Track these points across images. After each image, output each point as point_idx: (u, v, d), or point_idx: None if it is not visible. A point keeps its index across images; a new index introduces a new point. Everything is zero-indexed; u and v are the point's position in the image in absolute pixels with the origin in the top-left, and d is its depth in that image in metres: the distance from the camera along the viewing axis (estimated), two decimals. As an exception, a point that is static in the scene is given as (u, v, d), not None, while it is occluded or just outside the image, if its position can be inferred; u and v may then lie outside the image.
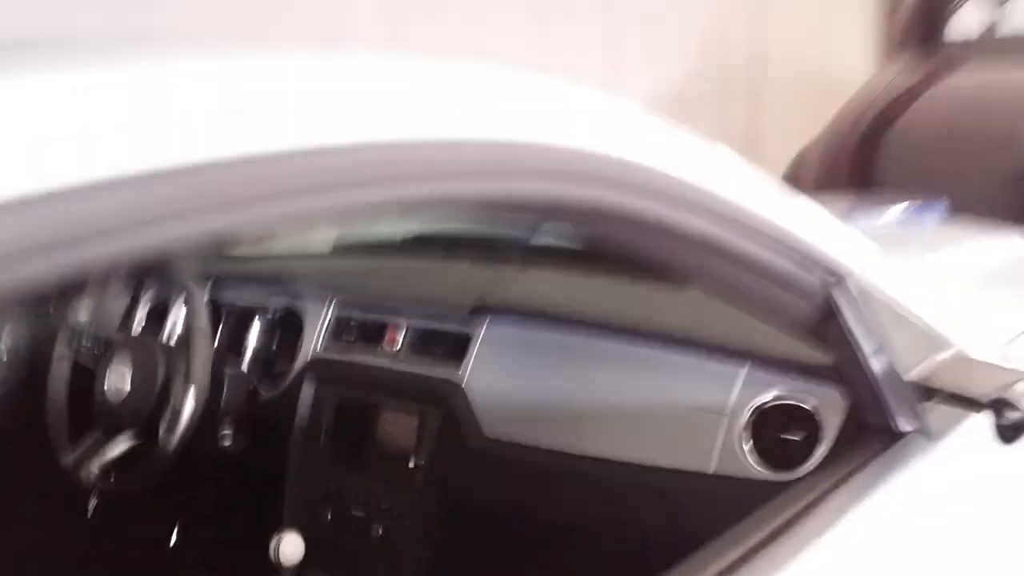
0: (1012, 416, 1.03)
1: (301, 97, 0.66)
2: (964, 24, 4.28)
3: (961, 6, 4.28)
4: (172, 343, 1.76)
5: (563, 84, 0.88)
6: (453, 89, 0.78)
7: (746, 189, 0.99)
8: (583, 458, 1.45)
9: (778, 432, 1.33)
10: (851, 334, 1.08)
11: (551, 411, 1.50)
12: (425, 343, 1.65)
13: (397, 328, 1.69)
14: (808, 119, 5.25)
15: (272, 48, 0.72)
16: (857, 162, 3.97)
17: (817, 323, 1.09)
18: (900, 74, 4.18)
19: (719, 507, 1.08)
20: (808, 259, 1.04)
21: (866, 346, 1.08)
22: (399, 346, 1.68)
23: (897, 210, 2.58)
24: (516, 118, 0.81)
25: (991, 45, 4.35)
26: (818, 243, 1.05)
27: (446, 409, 1.58)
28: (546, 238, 1.85)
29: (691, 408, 1.39)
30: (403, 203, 0.80)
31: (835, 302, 1.06)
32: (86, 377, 1.78)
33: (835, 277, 1.06)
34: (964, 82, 4.11)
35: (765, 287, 1.04)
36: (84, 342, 1.83)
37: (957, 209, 2.95)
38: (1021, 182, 3.65)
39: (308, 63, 0.71)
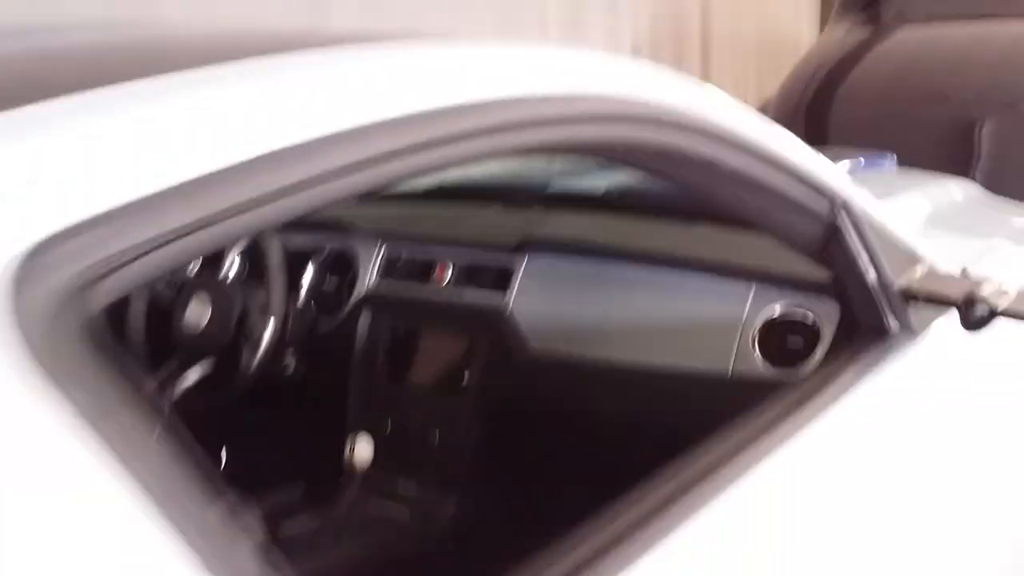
0: (978, 310, 1.32)
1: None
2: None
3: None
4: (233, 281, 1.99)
5: (629, 60, 1.14)
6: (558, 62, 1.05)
7: (763, 128, 1.26)
8: (618, 366, 1.72)
9: (783, 339, 1.61)
10: (852, 251, 1.35)
11: (588, 329, 1.76)
12: (471, 277, 1.91)
13: (444, 265, 1.94)
14: (756, 75, 5.55)
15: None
16: (809, 121, 4.23)
17: (822, 243, 1.36)
18: (847, 35, 4.46)
19: (736, 402, 1.33)
20: (818, 188, 1.31)
21: (862, 260, 1.36)
22: (447, 281, 1.93)
23: (849, 164, 2.87)
24: (609, 80, 1.07)
25: (932, 3, 4.63)
26: (824, 175, 1.33)
27: (493, 331, 1.84)
28: (565, 184, 2.12)
29: (710, 322, 1.67)
30: (538, 145, 1.04)
31: (839, 225, 1.33)
32: (160, 316, 2.00)
33: (840, 203, 1.33)
34: (906, 40, 4.39)
35: (784, 212, 1.31)
36: (156, 284, 2.05)
37: (902, 160, 3.26)
38: (958, 134, 3.95)
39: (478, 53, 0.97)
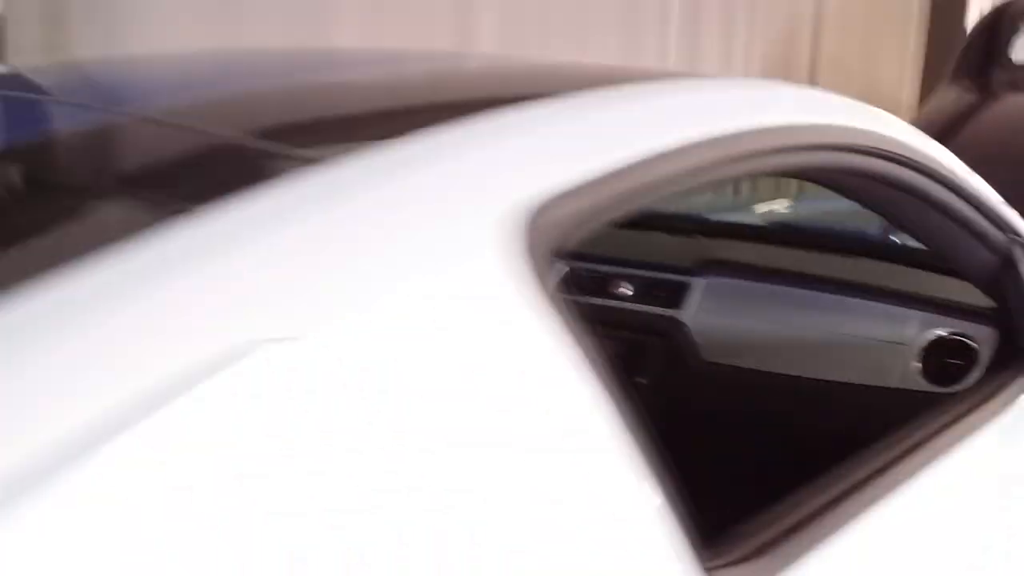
0: None
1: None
2: (1018, 53, 4.76)
3: (1017, 37, 4.76)
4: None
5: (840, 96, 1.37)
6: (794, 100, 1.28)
7: (955, 164, 1.46)
8: (787, 377, 1.92)
9: (943, 360, 1.81)
10: (1022, 281, 1.55)
11: (760, 342, 1.97)
12: (650, 290, 2.12)
13: (625, 279, 2.15)
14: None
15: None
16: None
17: (994, 271, 1.55)
18: (958, 98, 4.65)
19: (896, 412, 1.49)
20: (997, 221, 1.51)
21: None
22: (627, 293, 2.14)
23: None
24: (842, 115, 1.29)
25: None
26: (1003, 210, 1.53)
27: (668, 339, 2.05)
28: (725, 216, 2.34)
29: (877, 340, 1.87)
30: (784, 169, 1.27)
31: (1014, 256, 1.53)
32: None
33: (1016, 237, 1.53)
34: (1013, 107, 4.58)
35: (964, 240, 1.51)
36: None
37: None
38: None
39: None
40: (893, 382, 1.83)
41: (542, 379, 0.81)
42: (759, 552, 0.98)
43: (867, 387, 1.85)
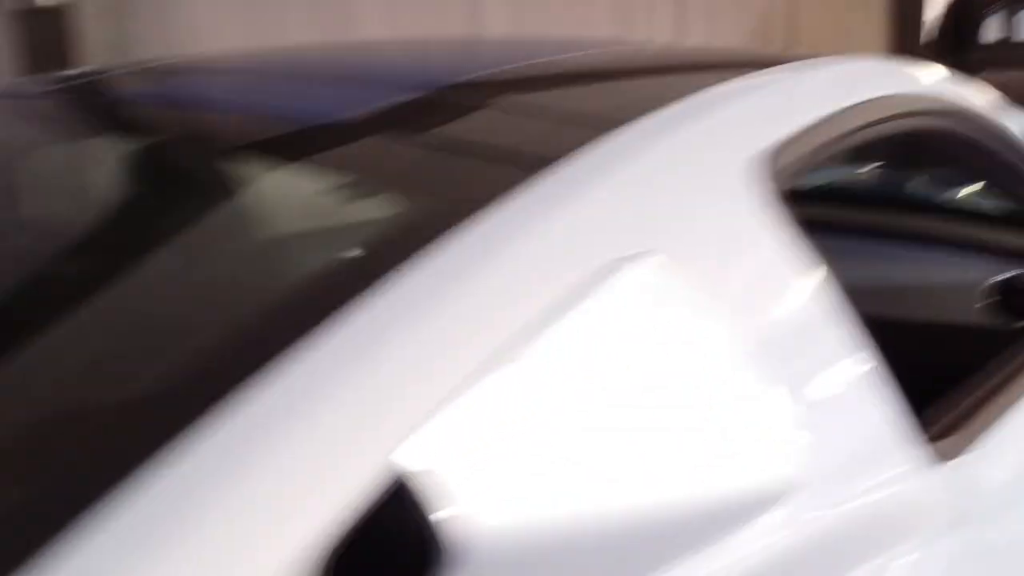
0: None
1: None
2: (986, 33, 5.12)
3: (986, 18, 5.12)
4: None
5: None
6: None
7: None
8: (877, 320, 2.17)
9: (1013, 297, 2.07)
10: None
11: (846, 291, 2.21)
12: None
13: None
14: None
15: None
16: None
17: None
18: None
19: (973, 344, 1.76)
20: None
21: None
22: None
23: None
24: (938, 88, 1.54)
25: (1004, 51, 5.19)
26: None
27: None
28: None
29: (954, 283, 2.13)
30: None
31: None
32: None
33: None
34: (987, 82, 4.92)
35: None
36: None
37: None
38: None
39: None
40: (970, 317, 2.09)
41: (790, 274, 1.07)
42: (958, 423, 1.25)
43: (950, 325, 2.10)
